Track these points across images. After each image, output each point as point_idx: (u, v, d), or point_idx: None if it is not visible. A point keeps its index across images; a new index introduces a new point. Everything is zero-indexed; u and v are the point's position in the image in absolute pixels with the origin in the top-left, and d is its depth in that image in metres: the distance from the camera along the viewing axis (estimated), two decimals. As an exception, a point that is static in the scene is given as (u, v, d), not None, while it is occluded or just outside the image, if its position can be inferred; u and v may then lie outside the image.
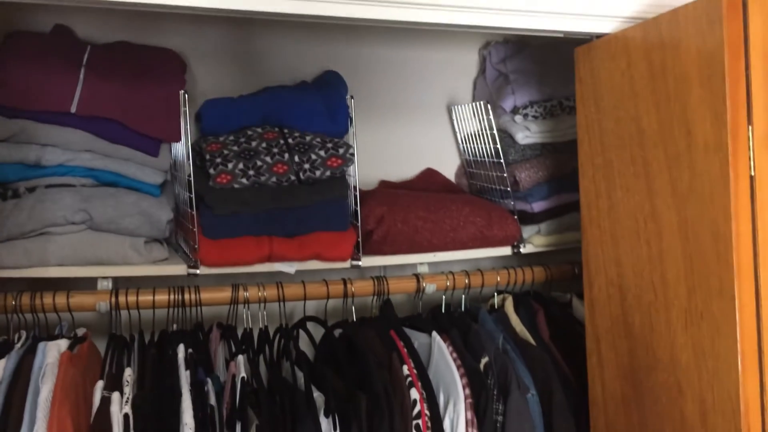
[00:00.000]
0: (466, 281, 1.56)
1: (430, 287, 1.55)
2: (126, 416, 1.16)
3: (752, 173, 0.99)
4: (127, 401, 1.18)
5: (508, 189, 1.62)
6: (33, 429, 1.11)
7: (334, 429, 1.30)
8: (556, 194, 1.61)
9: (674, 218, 1.09)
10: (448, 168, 1.86)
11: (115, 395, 1.18)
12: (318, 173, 1.45)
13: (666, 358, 1.11)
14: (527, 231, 1.63)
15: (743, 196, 0.99)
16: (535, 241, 1.63)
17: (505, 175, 1.62)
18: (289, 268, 1.46)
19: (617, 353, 1.22)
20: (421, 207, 1.56)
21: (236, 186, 1.40)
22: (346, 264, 1.50)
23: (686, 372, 1.07)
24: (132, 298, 1.35)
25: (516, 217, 1.61)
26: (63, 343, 1.25)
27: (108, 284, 1.37)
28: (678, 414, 1.09)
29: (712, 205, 1.02)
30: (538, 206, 1.61)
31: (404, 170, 1.82)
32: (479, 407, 1.33)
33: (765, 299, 1.00)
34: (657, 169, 1.12)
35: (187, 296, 1.38)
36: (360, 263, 1.50)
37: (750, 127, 0.99)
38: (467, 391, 1.32)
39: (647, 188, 1.14)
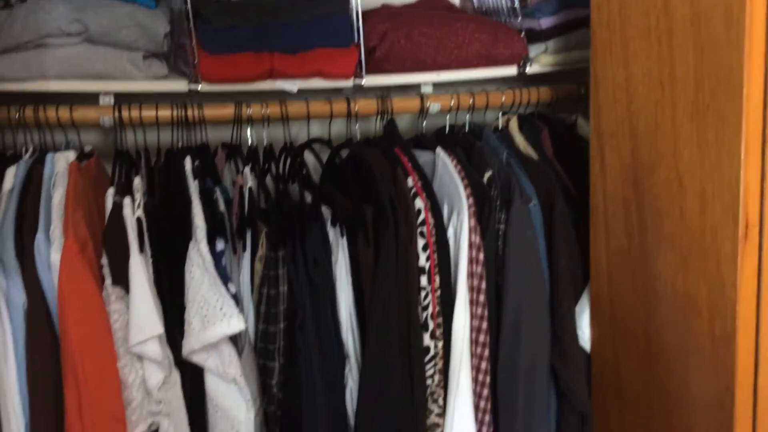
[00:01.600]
0: (471, 101, 1.55)
1: (434, 106, 1.54)
2: (139, 220, 1.20)
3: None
4: (138, 206, 1.21)
5: (515, 6, 1.56)
6: (49, 230, 1.14)
7: (341, 237, 1.34)
8: (565, 9, 1.56)
9: (687, 10, 1.06)
10: (454, -8, 1.79)
11: (127, 200, 1.21)
12: (319, -15, 1.39)
13: (669, 154, 1.12)
14: (534, 50, 1.59)
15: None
16: (542, 59, 1.59)
17: (512, -10, 1.56)
18: (291, 86, 1.44)
19: (620, 156, 1.22)
20: (425, 24, 1.52)
21: (234, -2, 1.36)
22: (349, 82, 1.48)
23: (688, 165, 1.08)
24: (135, 113, 1.34)
25: (523, 35, 1.57)
26: (71, 155, 1.26)
27: (110, 100, 1.36)
28: (677, 209, 1.11)
29: (726, -9, 0.98)
30: (545, 22, 1.56)
31: (407, -6, 1.76)
32: (482, 216, 1.36)
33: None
34: (671, -43, 1.07)
35: (190, 112, 1.38)
36: (363, 81, 1.48)
37: None
38: (471, 200, 1.35)
39: (660, -20, 1.10)
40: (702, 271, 1.08)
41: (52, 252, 1.12)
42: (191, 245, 1.21)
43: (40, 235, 1.14)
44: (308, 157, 1.48)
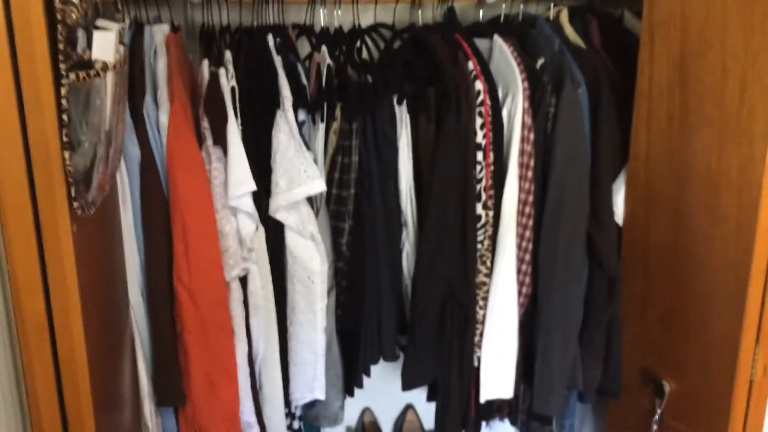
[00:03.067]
0: (526, -8, 1.64)
1: (491, -5, 1.63)
2: (233, 88, 1.33)
3: None
4: (232, 77, 1.34)
5: None
6: (156, 94, 1.28)
7: (406, 113, 1.48)
8: None
9: None
10: None
11: (221, 70, 1.34)
12: None
13: (717, 43, 1.23)
14: (587, -56, 1.67)
15: None
16: (594, -45, 1.68)
17: None
18: (361, -30, 1.54)
19: (670, 43, 1.34)
20: None
21: None
22: (414, -30, 1.57)
23: (733, 53, 1.20)
24: (221, -10, 1.45)
25: (578, -71, 1.64)
26: (166, 27, 1.38)
27: (197, -22, 1.47)
28: (719, 92, 1.25)
29: None
30: None
31: None
32: (534, 99, 1.49)
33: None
34: None
35: (269, -7, 1.48)
36: (427, -30, 1.57)
37: None
38: (525, 84, 1.47)
39: None
40: (736, 148, 1.22)
41: (160, 114, 1.27)
42: (278, 113, 1.35)
43: (148, 99, 1.28)
44: (376, 40, 1.60)
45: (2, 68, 0.77)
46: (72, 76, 0.80)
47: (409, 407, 2.11)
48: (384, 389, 2.00)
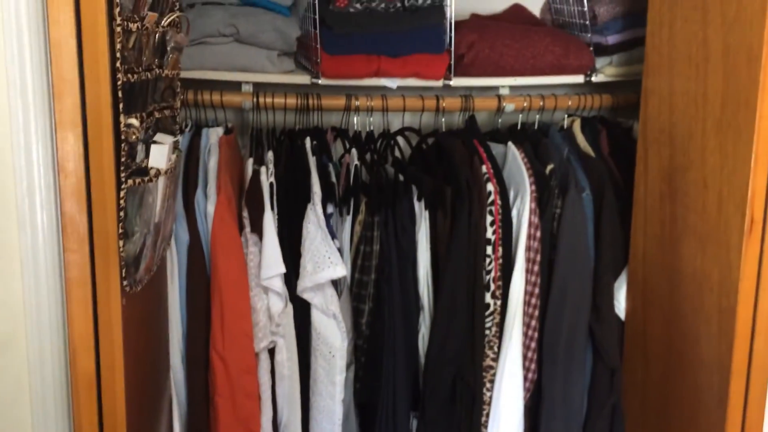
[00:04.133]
0: (541, 103, 1.82)
1: (509, 106, 1.82)
2: (271, 184, 1.55)
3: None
4: (271, 174, 1.56)
5: (587, 23, 1.82)
6: (206, 188, 1.51)
7: (424, 210, 1.66)
8: (631, 28, 1.80)
9: (720, 45, 1.31)
10: (535, 4, 2.06)
11: (263, 168, 1.56)
12: (420, 1, 1.70)
13: (698, 160, 1.37)
14: (600, 62, 1.85)
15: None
16: (606, 71, 1.85)
17: (585, 9, 1.82)
18: (392, 83, 1.76)
19: (660, 158, 1.48)
20: (507, 36, 1.80)
21: (351, 10, 1.68)
22: (439, 83, 1.78)
23: (712, 170, 1.34)
24: (269, 100, 1.69)
25: (591, 48, 1.83)
26: (220, 130, 1.62)
27: (249, 88, 1.72)
28: (701, 204, 1.37)
29: (751, 32, 1.23)
30: (612, 39, 1.81)
31: (494, 5, 2.04)
32: (542, 201, 1.64)
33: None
34: (711, 1, 1.32)
35: (310, 101, 1.72)
36: (451, 82, 1.78)
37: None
38: (533, 187, 1.63)
39: (702, 18, 1.35)
40: (715, 256, 1.34)
41: (208, 205, 1.49)
42: (309, 207, 1.55)
43: (199, 192, 1.51)
44: (401, 142, 1.80)
45: (77, 176, 1.00)
46: (130, 182, 1.02)
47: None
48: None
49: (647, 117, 1.54)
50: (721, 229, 1.32)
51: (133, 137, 1.00)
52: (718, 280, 1.34)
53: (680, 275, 1.44)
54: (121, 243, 1.03)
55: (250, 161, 1.59)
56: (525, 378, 1.64)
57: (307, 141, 1.66)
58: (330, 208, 1.61)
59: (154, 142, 1.10)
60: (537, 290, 1.63)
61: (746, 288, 1.28)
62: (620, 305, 1.64)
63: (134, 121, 1.00)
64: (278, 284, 1.52)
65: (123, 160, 1.01)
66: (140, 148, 1.06)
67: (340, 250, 1.57)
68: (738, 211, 1.28)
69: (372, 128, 1.80)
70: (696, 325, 1.40)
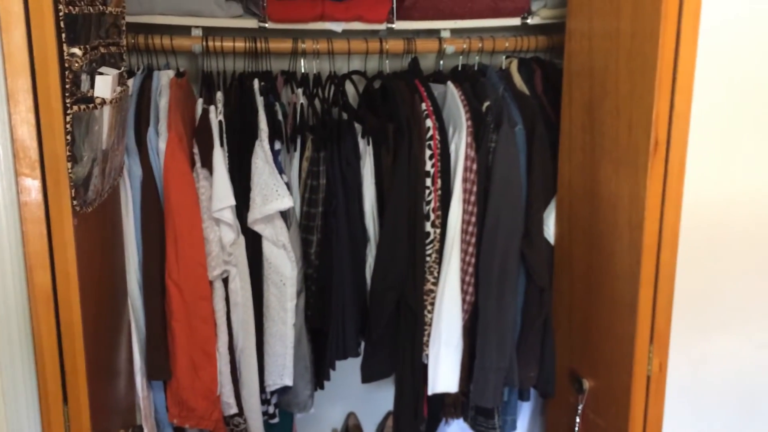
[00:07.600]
0: (480, 45, 1.92)
1: (449, 48, 1.92)
2: (220, 122, 1.64)
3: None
4: (220, 113, 1.65)
5: (522, -33, 1.91)
6: (158, 124, 1.60)
7: (368, 145, 1.76)
8: (562, -28, 1.90)
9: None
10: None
11: (212, 107, 1.65)
12: (361, -53, 1.78)
13: (613, 90, 1.49)
14: (535, 5, 1.95)
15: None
16: (541, 13, 1.95)
17: (519, -46, 1.90)
18: (337, 26, 1.84)
19: (582, 91, 1.60)
20: (446, -19, 1.89)
21: (295, -44, 1.75)
22: (383, 26, 1.87)
23: (624, 98, 1.45)
24: (218, 44, 1.77)
25: (526, -8, 1.92)
26: (171, 73, 1.70)
27: (199, 32, 1.79)
28: (615, 130, 1.49)
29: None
30: (545, -18, 1.91)
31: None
32: (477, 136, 1.75)
33: (683, 42, 1.34)
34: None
35: (259, 44, 1.80)
36: (394, 26, 1.87)
37: None
38: (469, 123, 1.74)
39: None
40: (626, 177, 1.46)
41: (159, 142, 1.58)
42: (257, 143, 1.65)
43: (151, 129, 1.59)
44: (348, 85, 1.90)
45: (27, 102, 1.08)
46: (75, 107, 1.11)
47: (390, 414, 2.34)
48: (368, 396, 2.26)
49: (571, 54, 1.65)
50: (631, 152, 1.44)
51: (76, 65, 1.08)
52: (629, 199, 1.46)
53: (598, 198, 1.57)
54: (69, 165, 1.12)
55: (200, 101, 1.68)
56: (463, 300, 1.77)
57: (255, 82, 1.74)
58: (277, 145, 1.70)
59: (99, 74, 1.19)
60: (473, 219, 1.75)
61: (652, 205, 1.41)
62: (549, 230, 1.77)
63: (77, 51, 1.08)
64: (229, 216, 1.62)
65: (68, 86, 1.09)
66: (85, 78, 1.15)
67: (288, 185, 1.67)
68: (645, 134, 1.40)
69: (318, 72, 1.88)
70: (611, 241, 1.53)
